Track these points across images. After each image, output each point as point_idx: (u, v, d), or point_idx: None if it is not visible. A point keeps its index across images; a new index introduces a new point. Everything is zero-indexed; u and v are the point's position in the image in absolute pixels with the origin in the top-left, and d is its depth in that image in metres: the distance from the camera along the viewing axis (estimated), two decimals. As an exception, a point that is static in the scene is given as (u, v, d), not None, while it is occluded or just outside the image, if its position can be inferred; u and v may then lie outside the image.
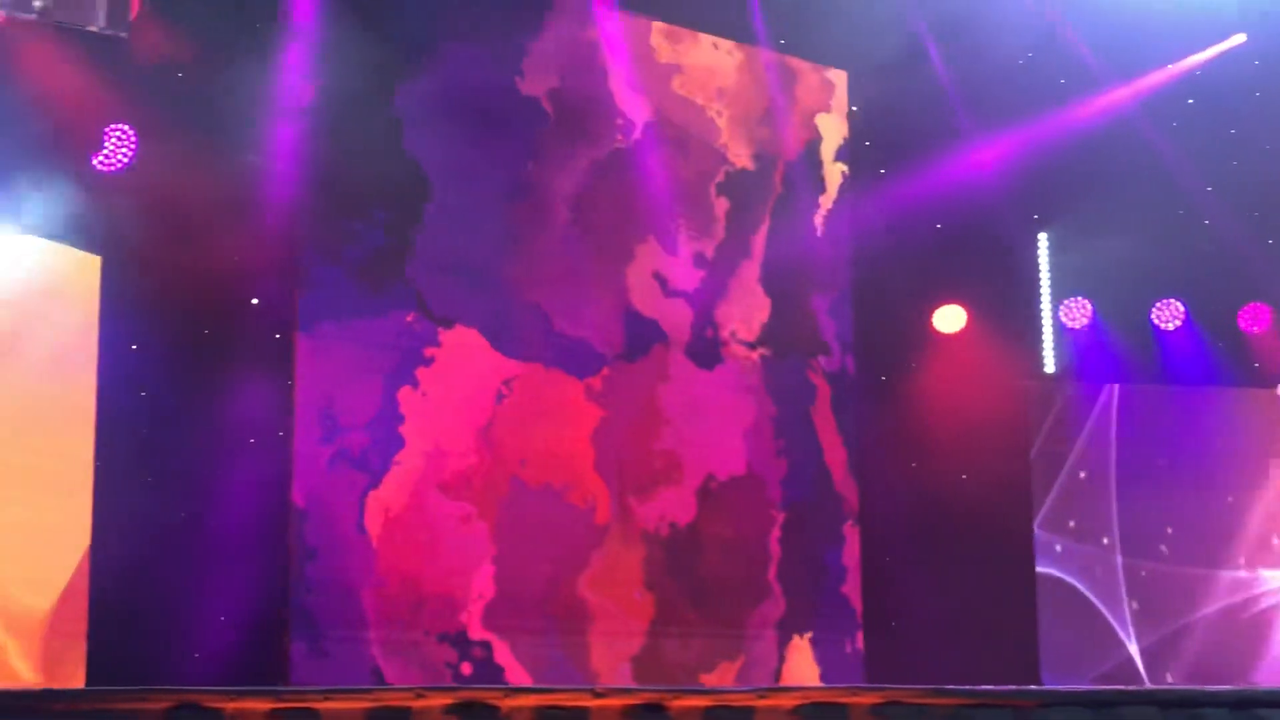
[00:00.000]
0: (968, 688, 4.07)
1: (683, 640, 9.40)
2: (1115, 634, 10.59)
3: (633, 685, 4.71)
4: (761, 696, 3.81)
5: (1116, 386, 10.94)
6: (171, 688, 3.37)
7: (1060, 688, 4.22)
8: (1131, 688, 4.20)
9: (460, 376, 8.93)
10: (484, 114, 9.17)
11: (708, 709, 3.72)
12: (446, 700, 3.38)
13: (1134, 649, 10.46)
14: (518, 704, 3.52)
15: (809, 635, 9.87)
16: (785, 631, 9.79)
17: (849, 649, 10.02)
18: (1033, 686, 4.21)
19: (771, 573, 9.80)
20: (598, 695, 3.62)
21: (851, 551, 10.16)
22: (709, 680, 9.12)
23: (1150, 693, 4.20)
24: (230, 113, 8.34)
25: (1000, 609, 10.36)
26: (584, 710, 3.63)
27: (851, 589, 10.11)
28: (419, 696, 3.37)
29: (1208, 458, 10.85)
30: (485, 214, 9.15)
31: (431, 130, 8.97)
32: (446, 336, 8.92)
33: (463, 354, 8.95)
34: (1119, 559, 10.71)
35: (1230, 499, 10.85)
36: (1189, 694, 4.23)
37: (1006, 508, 10.59)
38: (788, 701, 3.82)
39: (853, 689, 3.89)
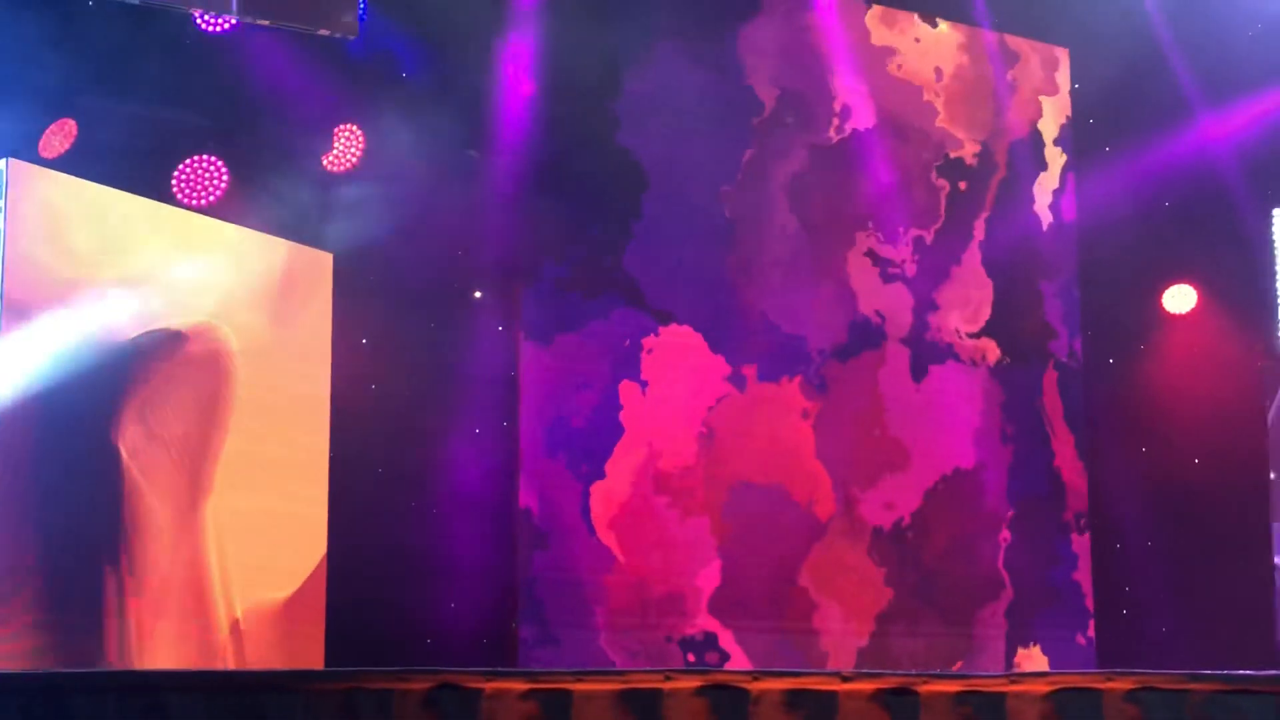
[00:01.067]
0: (1225, 672, 3.96)
1: (911, 632, 9.32)
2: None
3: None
4: (1013, 682, 3.75)
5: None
6: (430, 668, 3.46)
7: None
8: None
9: (680, 370, 8.98)
10: (700, 104, 9.20)
11: (958, 694, 3.68)
12: (696, 683, 3.40)
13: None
14: (766, 687, 3.53)
15: (1039, 626, 9.70)
16: (1015, 622, 9.63)
17: (1081, 640, 9.82)
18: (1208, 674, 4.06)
19: (1000, 562, 9.65)
20: (845, 679, 3.61)
21: (1082, 540, 9.95)
22: (941, 667, 9.04)
23: None
24: (453, 109, 8.52)
25: (1237, 599, 10.05)
26: (833, 694, 3.62)
27: (1083, 577, 9.90)
28: (668, 679, 3.40)
29: None
30: (702, 206, 9.19)
31: (649, 122, 9.04)
32: (665, 330, 8.97)
33: (681, 348, 9.00)
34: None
35: None
36: None
37: (1242, 493, 10.24)
38: (1040, 687, 3.75)
39: (1107, 674, 3.81)
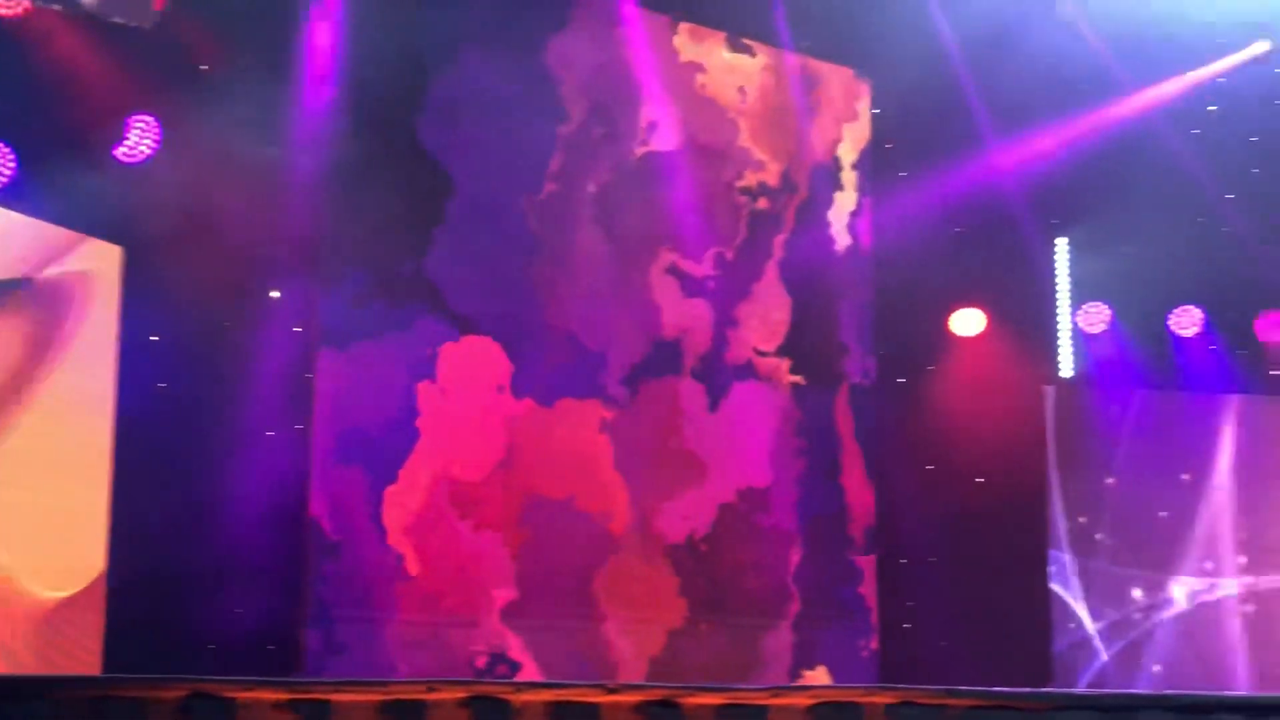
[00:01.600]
0: (982, 689, 4.07)
1: (702, 645, 9.41)
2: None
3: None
4: (775, 695, 3.81)
5: (1134, 392, 10.92)
6: (183, 676, 3.38)
7: (1074, 691, 4.21)
8: (1145, 692, 4.19)
9: (478, 381, 8.93)
10: (507, 112, 9.18)
11: (721, 706, 3.73)
12: (459, 694, 3.38)
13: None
14: (530, 699, 3.53)
15: (825, 639, 9.87)
16: (801, 635, 9.78)
17: (864, 652, 10.02)
18: (1046, 689, 4.20)
19: (790, 576, 9.80)
20: (610, 691, 3.62)
21: (868, 556, 10.15)
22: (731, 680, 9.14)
23: (1163, 697, 4.19)
24: (253, 106, 8.36)
25: (1014, 615, 10.36)
26: (596, 706, 3.63)
27: (868, 592, 10.10)
28: (431, 689, 3.38)
29: (1225, 466, 10.82)
30: (507, 214, 9.17)
31: (454, 127, 8.99)
32: (466, 340, 8.92)
33: (481, 358, 8.95)
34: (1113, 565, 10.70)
35: (1246, 505, 10.82)
36: (1202, 699, 4.23)
37: (1021, 514, 10.58)
38: (802, 700, 3.82)
39: (868, 689, 3.89)
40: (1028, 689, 4.15)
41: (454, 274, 8.93)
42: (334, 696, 3.32)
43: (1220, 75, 10.79)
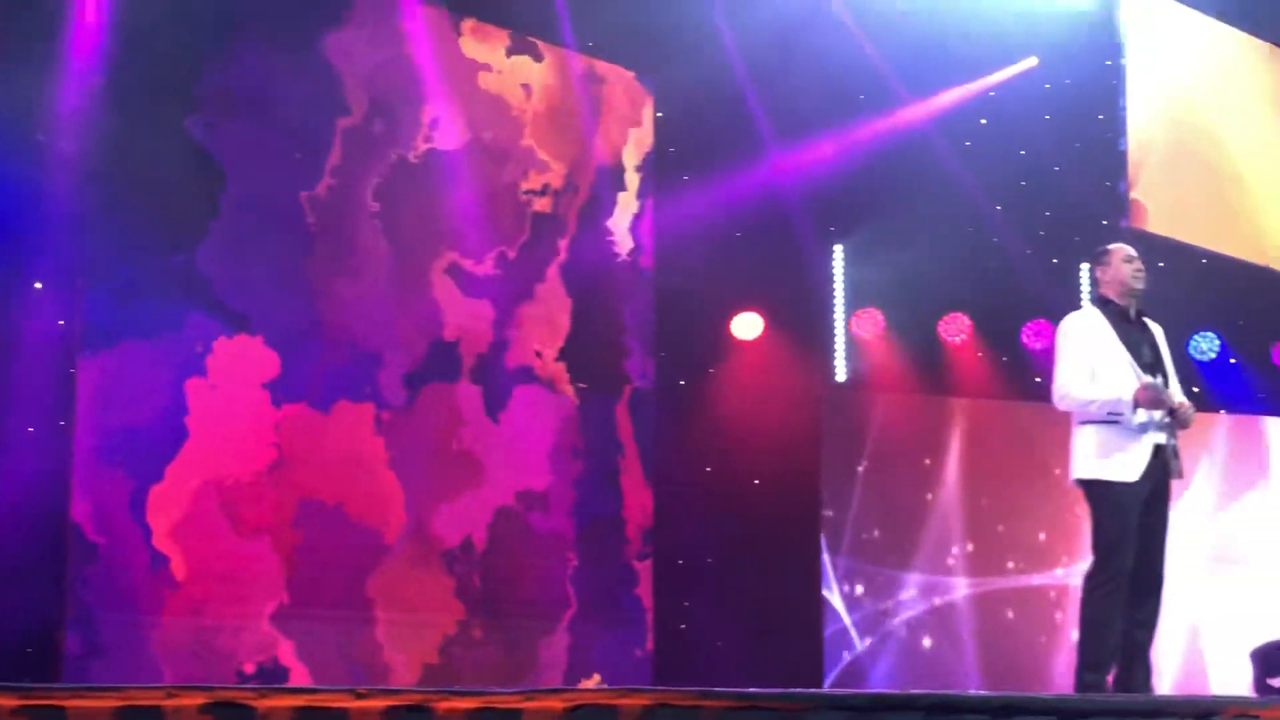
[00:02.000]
0: (737, 690, 4.10)
1: (478, 649, 9.35)
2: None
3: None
4: (529, 698, 3.78)
5: (904, 397, 11.18)
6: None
7: (831, 691, 4.27)
8: (899, 692, 4.27)
9: (250, 381, 8.72)
10: (284, 104, 8.97)
11: (473, 711, 3.69)
12: (200, 700, 3.29)
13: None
14: (275, 704, 3.45)
15: (602, 641, 9.89)
16: (578, 637, 9.78)
17: (639, 654, 10.07)
18: (800, 690, 4.25)
19: (567, 578, 9.79)
20: (359, 696, 3.56)
21: (645, 557, 10.20)
22: (505, 685, 9.09)
23: (914, 697, 4.27)
24: (15, 89, 8.06)
25: (788, 617, 10.52)
26: (344, 711, 3.56)
27: (644, 593, 10.15)
28: (170, 696, 3.27)
29: (990, 470, 11.15)
30: (284, 209, 8.98)
31: (228, 119, 8.77)
32: (238, 338, 8.70)
33: (254, 358, 8.74)
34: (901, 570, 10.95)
35: (1009, 507, 11.16)
36: (951, 699, 4.32)
37: (797, 514, 10.75)
38: (556, 704, 3.80)
39: (622, 691, 3.89)
40: (780, 690, 4.20)
41: (227, 269, 8.70)
42: (68, 703, 3.20)
43: (991, 89, 11.12)
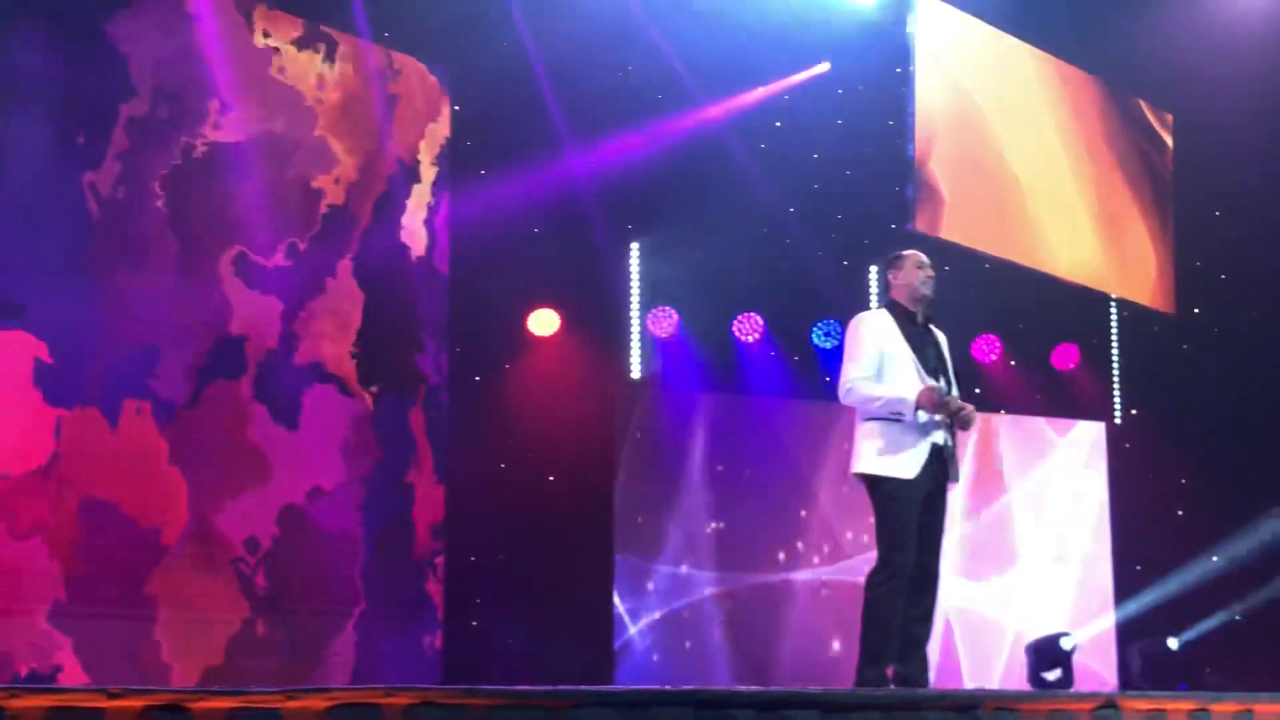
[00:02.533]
0: (502, 688, 4.09)
1: (265, 648, 9.17)
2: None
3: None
4: (290, 697, 3.72)
5: (698, 395, 11.29)
6: None
7: (596, 688, 4.28)
8: (666, 688, 4.30)
9: (24, 368, 8.42)
10: (65, 87, 8.69)
11: (232, 710, 3.61)
12: (-60, 702, 3.16)
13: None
14: (25, 705, 3.33)
15: (391, 637, 9.79)
16: (367, 634, 9.67)
17: (429, 651, 10.00)
18: (567, 687, 4.25)
19: (355, 574, 9.67)
20: (112, 696, 3.46)
21: (436, 553, 10.13)
22: (293, 684, 8.92)
23: (684, 693, 4.31)
24: None
25: (580, 611, 10.55)
26: (99, 711, 3.46)
27: (435, 590, 10.08)
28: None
29: (782, 466, 11.32)
30: (64, 197, 8.68)
31: (8, 103, 8.46)
32: (12, 332, 8.38)
33: (29, 344, 8.44)
34: (686, 567, 11.05)
35: (801, 503, 11.35)
36: (719, 695, 4.37)
37: (590, 511, 10.78)
38: (318, 703, 3.75)
39: (387, 689, 3.85)
40: (549, 687, 4.20)
41: (4, 259, 8.40)
42: None
43: (785, 93, 11.29)
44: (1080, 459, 12.39)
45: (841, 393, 6.63)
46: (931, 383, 6.50)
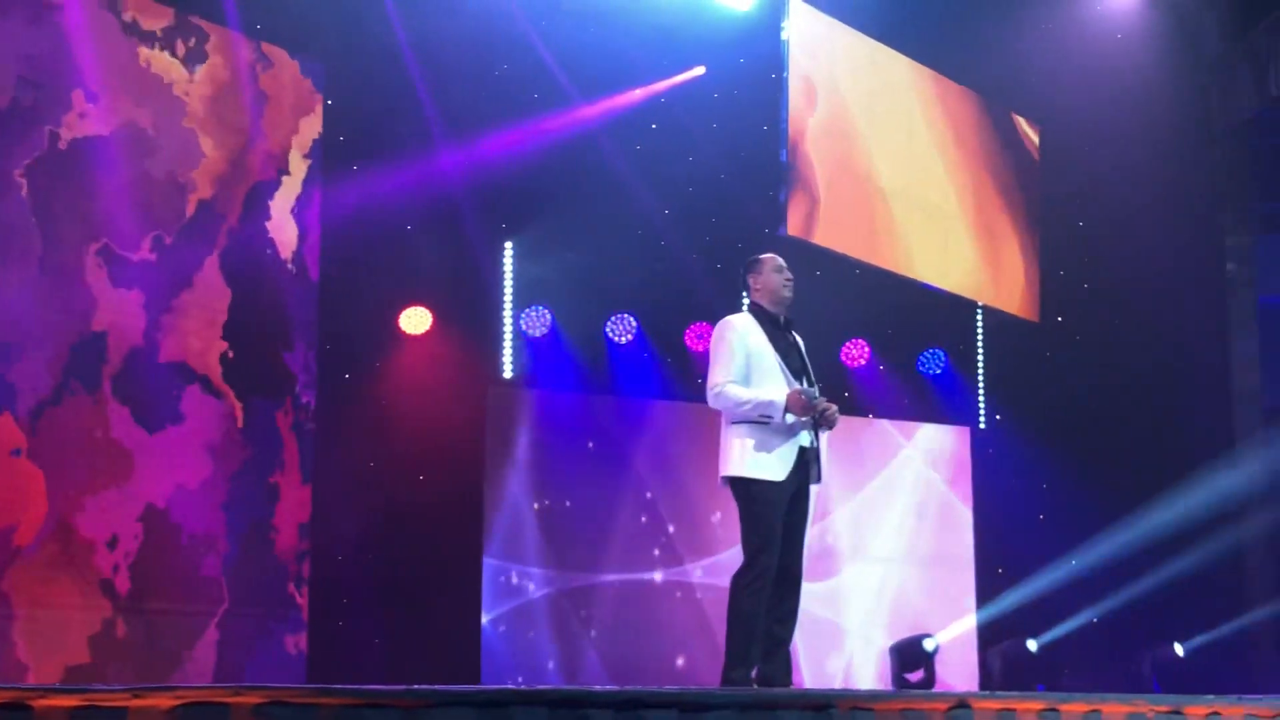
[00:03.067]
0: (356, 687, 4.07)
1: (126, 647, 9.01)
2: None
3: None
4: (137, 695, 3.66)
5: (570, 395, 11.29)
6: None
7: (452, 687, 4.26)
8: (522, 688, 4.30)
9: None
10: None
11: (76, 709, 3.55)
12: None
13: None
14: None
15: (256, 637, 9.67)
16: (229, 634, 9.54)
17: (293, 651, 9.89)
18: (421, 686, 4.23)
19: (219, 573, 9.53)
20: (-50, 695, 3.38)
21: (303, 553, 10.03)
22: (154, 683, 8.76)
23: (539, 692, 4.31)
24: None
25: (449, 611, 10.51)
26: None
27: (300, 590, 9.97)
28: None
29: (653, 468, 11.36)
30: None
31: None
32: None
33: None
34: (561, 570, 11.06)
35: (672, 503, 11.40)
36: (577, 694, 4.38)
37: (460, 509, 10.74)
38: (164, 701, 3.69)
39: (235, 689, 3.80)
40: (402, 686, 4.18)
41: None
42: None
43: (661, 95, 11.34)
44: (945, 463, 12.57)
45: (710, 396, 6.67)
46: (798, 385, 6.57)
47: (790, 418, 6.51)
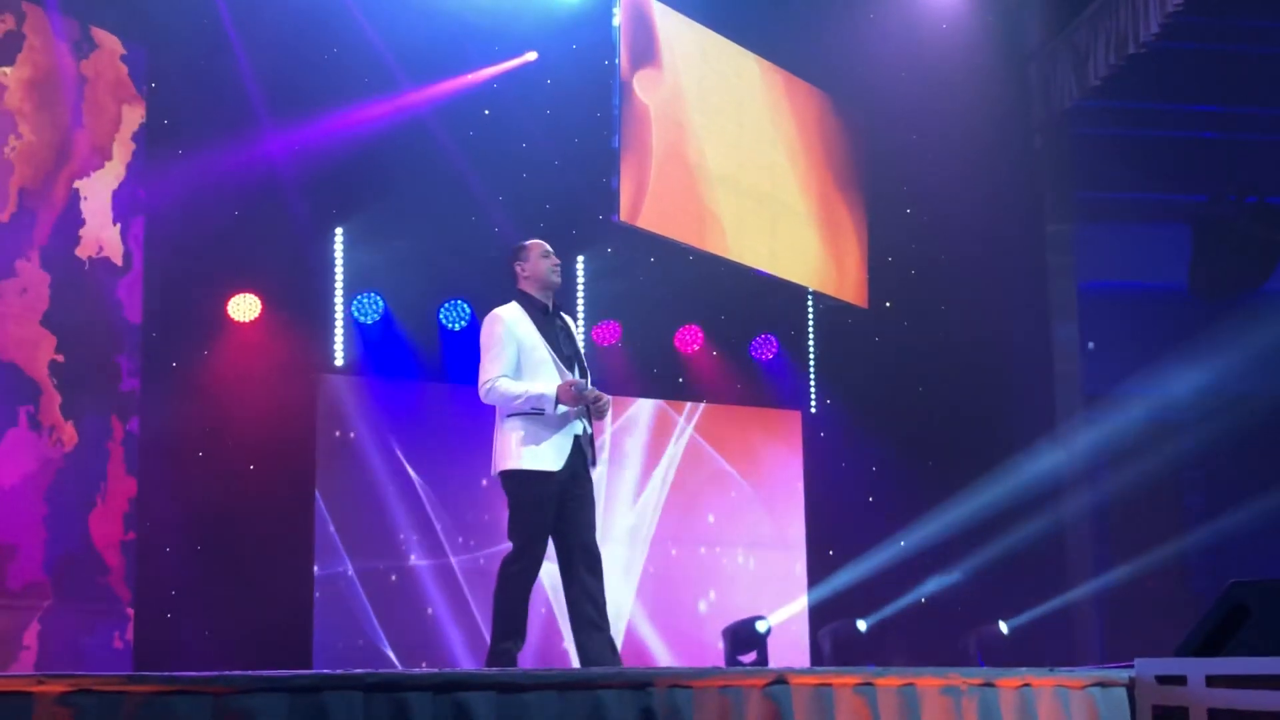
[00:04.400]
0: (165, 674, 4.02)
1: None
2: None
3: None
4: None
5: (402, 382, 11.22)
6: None
7: (264, 673, 4.23)
8: (338, 672, 4.28)
9: None
10: None
11: None
12: None
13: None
14: None
15: (78, 630, 9.47)
16: (51, 625, 9.33)
17: (119, 643, 9.70)
18: (233, 672, 4.20)
19: (40, 566, 9.32)
20: None
21: (128, 543, 9.83)
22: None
23: (355, 676, 4.30)
24: None
25: (280, 601, 10.39)
26: None
27: (125, 581, 9.78)
28: None
29: (476, 453, 11.31)
30: None
31: None
32: None
33: None
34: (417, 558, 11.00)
35: (484, 490, 11.37)
36: (392, 678, 4.37)
37: (290, 498, 10.63)
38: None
39: (39, 677, 3.73)
40: (214, 672, 4.14)
41: None
42: None
43: (494, 81, 11.32)
44: (777, 447, 12.73)
45: (482, 392, 6.73)
46: (570, 376, 6.66)
47: (562, 409, 6.58)
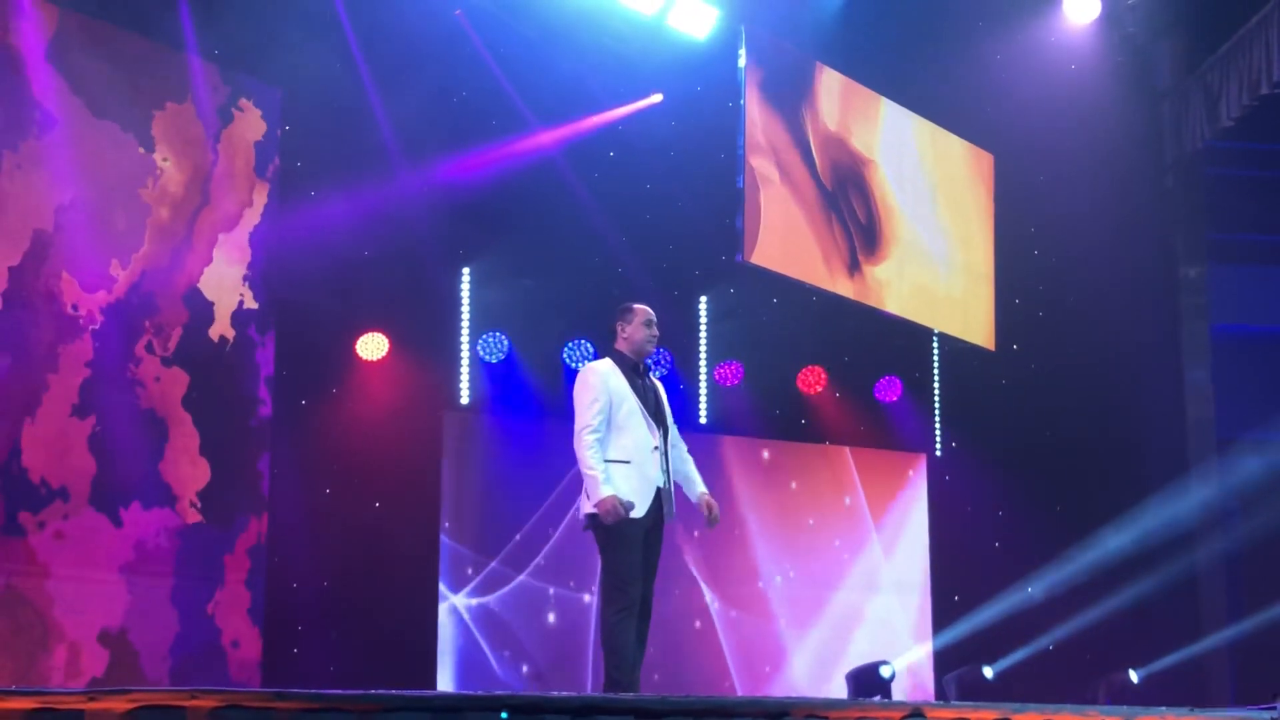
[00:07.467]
0: (311, 691, 4.05)
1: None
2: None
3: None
4: (93, 698, 3.64)
5: (528, 421, 11.27)
6: None
7: (407, 693, 4.25)
8: (480, 693, 4.29)
9: None
10: None
11: (32, 711, 3.52)
12: None
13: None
14: None
15: (205, 663, 9.58)
16: (180, 659, 9.44)
17: (247, 677, 9.80)
18: (378, 691, 4.22)
19: (166, 598, 9.44)
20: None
21: (256, 579, 9.94)
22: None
23: (496, 698, 4.30)
24: None
25: (406, 638, 10.46)
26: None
27: (254, 616, 9.89)
28: None
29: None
30: None
31: None
32: None
33: None
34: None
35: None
36: (534, 700, 4.37)
37: (417, 536, 10.70)
38: (120, 704, 3.67)
39: (192, 692, 3.78)
40: (359, 691, 4.16)
41: None
42: None
43: (619, 123, 11.40)
44: (901, 490, 12.61)
45: (575, 439, 6.98)
46: (655, 431, 6.96)
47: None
